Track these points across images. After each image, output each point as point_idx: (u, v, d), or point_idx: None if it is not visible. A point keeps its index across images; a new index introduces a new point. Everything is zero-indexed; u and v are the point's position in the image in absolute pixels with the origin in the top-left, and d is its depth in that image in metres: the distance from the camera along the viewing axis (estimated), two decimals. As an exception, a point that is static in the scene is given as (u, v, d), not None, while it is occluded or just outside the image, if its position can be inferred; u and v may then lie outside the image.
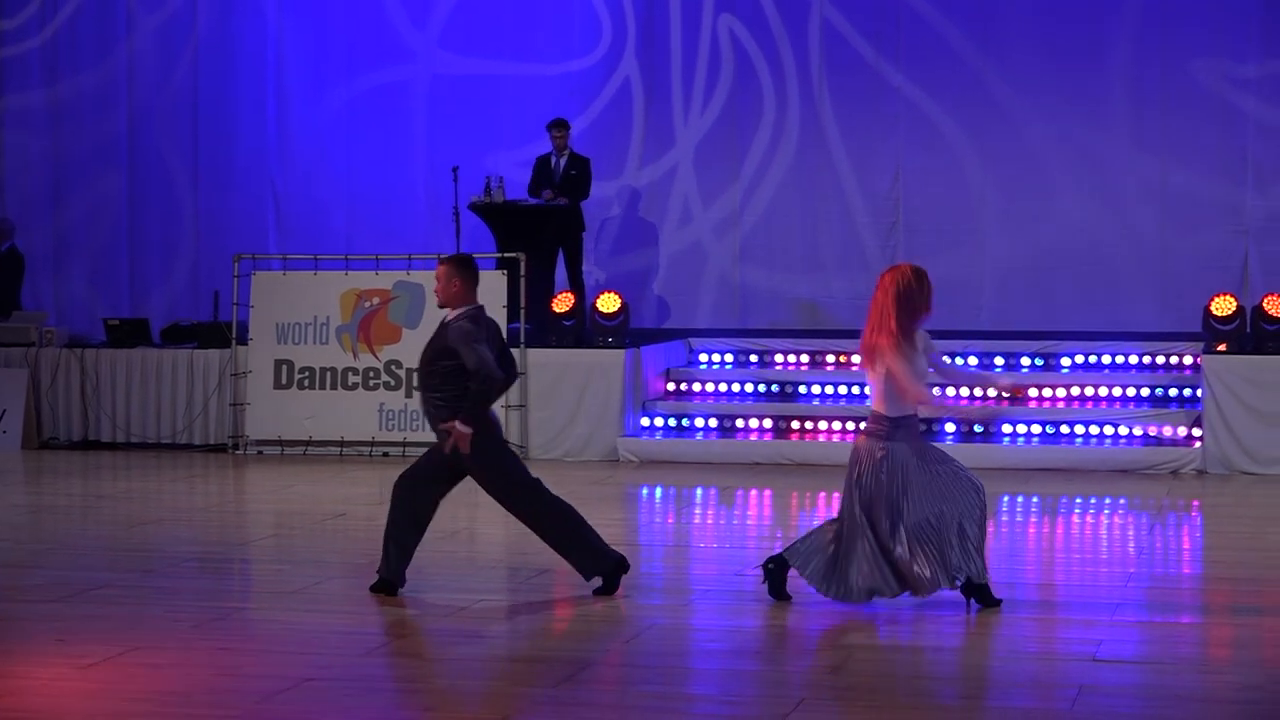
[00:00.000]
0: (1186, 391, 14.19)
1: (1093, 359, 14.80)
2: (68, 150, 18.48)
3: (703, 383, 15.20)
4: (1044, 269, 16.58)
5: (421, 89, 17.87)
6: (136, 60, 18.35)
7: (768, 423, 14.57)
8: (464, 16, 17.70)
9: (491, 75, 17.66)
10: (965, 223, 16.86)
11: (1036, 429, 14.13)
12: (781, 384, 15.02)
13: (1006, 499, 12.27)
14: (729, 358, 15.60)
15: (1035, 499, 12.22)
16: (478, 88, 17.70)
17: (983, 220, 16.83)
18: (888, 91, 16.87)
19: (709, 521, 12.13)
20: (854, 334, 15.70)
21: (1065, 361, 14.83)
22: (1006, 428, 14.13)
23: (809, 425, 14.49)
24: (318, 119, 18.10)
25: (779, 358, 15.44)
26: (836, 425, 14.42)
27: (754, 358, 15.54)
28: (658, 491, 13.00)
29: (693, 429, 14.71)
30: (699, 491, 12.87)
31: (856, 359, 14.87)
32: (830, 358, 15.27)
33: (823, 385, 14.89)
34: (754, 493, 12.67)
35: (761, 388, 15.03)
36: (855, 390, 14.75)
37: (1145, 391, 14.37)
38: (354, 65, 17.99)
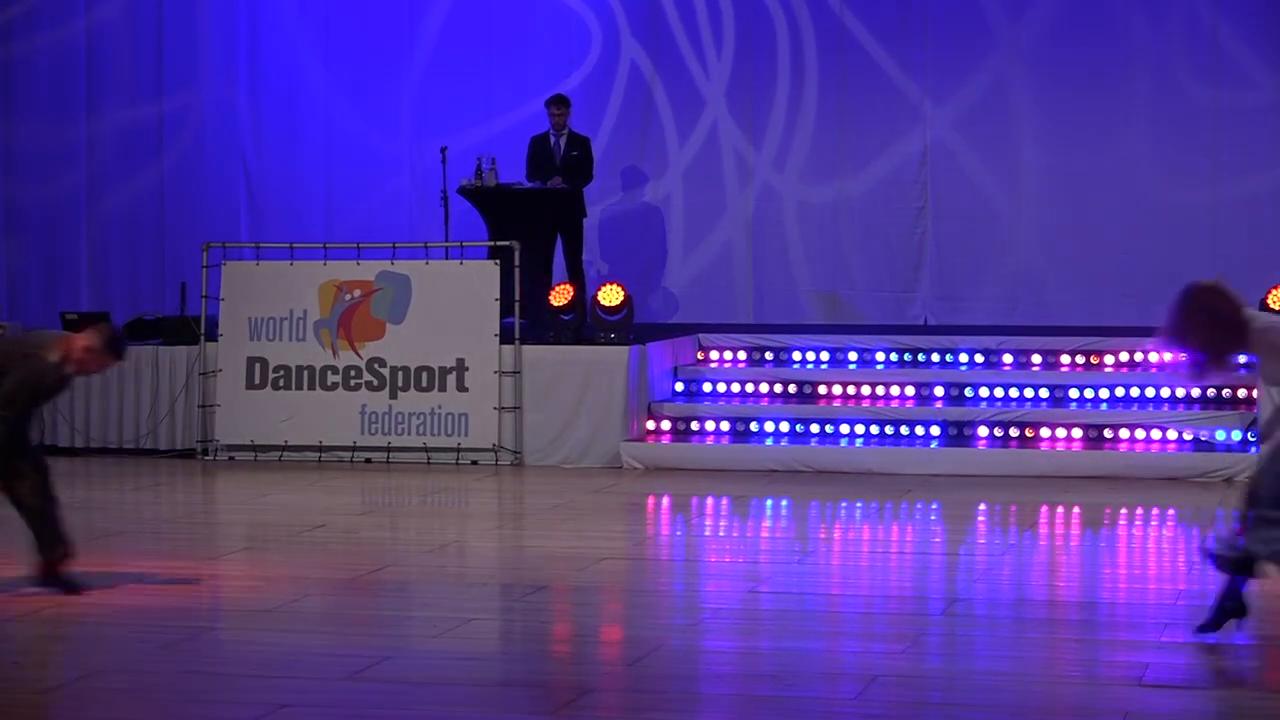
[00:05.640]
0: (1241, 392, 14.21)
1: (1139, 357, 14.81)
2: (20, 125, 18.50)
3: (714, 383, 15.23)
4: (1086, 259, 16.63)
5: (408, 59, 17.91)
6: (95, 26, 18.38)
7: (784, 426, 14.59)
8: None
9: (486, 48, 17.71)
10: (1000, 209, 16.91)
11: (1078, 433, 14.14)
12: (800, 384, 15.05)
13: (1045, 509, 12.29)
14: (742, 355, 15.61)
15: (1076, 509, 12.23)
16: (469, 57, 17.73)
17: (1019, 206, 16.88)
18: (911, 101, 16.96)
19: (721, 534, 12.15)
20: (877, 329, 16.04)
21: (1109, 360, 14.85)
22: (1045, 431, 14.16)
23: (829, 429, 14.51)
24: (294, 90, 18.12)
25: (797, 355, 15.46)
26: (860, 429, 14.43)
27: (770, 355, 15.56)
28: (664, 501, 13.01)
29: (703, 433, 14.73)
30: (709, 501, 12.89)
31: (882, 356, 15.10)
32: (853, 355, 15.30)
33: (844, 385, 14.92)
34: (770, 502, 12.69)
35: (778, 388, 15.05)
36: (880, 390, 14.80)
37: (1196, 392, 14.39)
38: (334, 31, 18.03)
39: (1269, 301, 14.09)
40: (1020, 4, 16.80)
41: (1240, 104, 16.51)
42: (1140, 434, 14.04)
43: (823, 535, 11.68)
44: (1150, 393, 14.45)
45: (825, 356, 15.37)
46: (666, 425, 14.81)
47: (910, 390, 14.79)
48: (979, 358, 15.11)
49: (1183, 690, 7.55)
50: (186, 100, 18.26)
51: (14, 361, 9.20)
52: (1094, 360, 14.85)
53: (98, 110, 18.41)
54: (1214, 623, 7.98)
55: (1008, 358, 15.02)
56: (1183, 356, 8.30)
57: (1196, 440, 13.91)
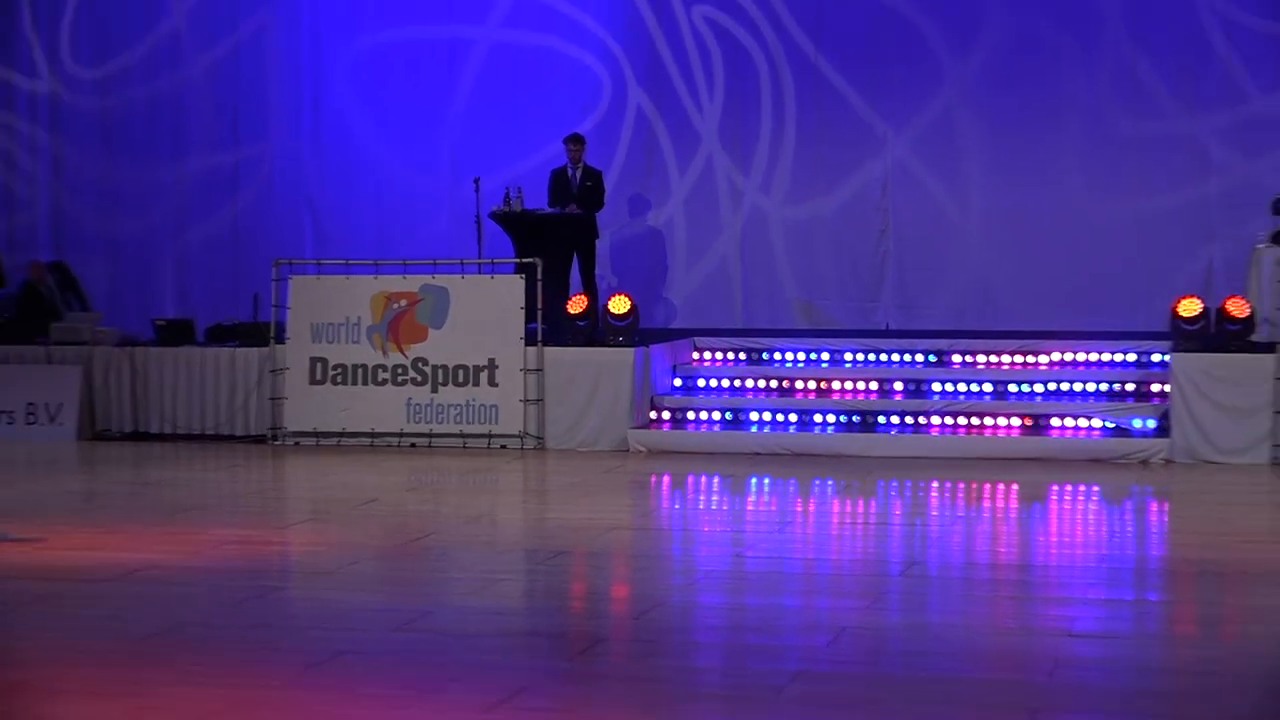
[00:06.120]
0: (1155, 387, 14.18)
1: (1069, 356, 14.78)
2: (117, 166, 18.56)
3: (707, 379, 15.20)
4: (1025, 274, 16.64)
5: (446, 108, 17.91)
6: (181, 84, 18.44)
7: (767, 416, 14.55)
8: (490, 56, 17.79)
9: (513, 97, 17.71)
10: (950, 227, 16.91)
11: (1016, 421, 14.11)
12: (780, 380, 15.00)
13: (988, 486, 12.25)
14: (732, 355, 15.59)
15: (1015, 486, 12.20)
16: (499, 105, 17.72)
17: (967, 224, 16.89)
18: (874, 132, 16.94)
19: (713, 507, 12.11)
20: (846, 333, 16.01)
21: (1044, 359, 14.80)
22: (989, 420, 14.11)
23: (805, 418, 14.46)
24: (350, 134, 18.14)
25: (778, 355, 15.42)
26: (831, 418, 14.41)
27: (755, 355, 15.52)
28: (665, 479, 12.97)
29: (698, 422, 14.69)
30: (703, 479, 12.86)
31: (850, 356, 15.07)
32: (825, 355, 15.26)
33: (818, 381, 14.86)
34: (754, 480, 12.65)
35: (762, 383, 15.01)
36: (849, 385, 14.76)
37: (1118, 387, 14.36)
38: (383, 88, 18.03)
39: (1179, 310, 13.98)
40: (966, 45, 16.83)
41: (1154, 132, 16.50)
42: (1069, 422, 14.00)
43: (799, 508, 11.64)
44: (1078, 387, 14.41)
45: (802, 356, 15.34)
46: (667, 415, 14.77)
47: (874, 385, 14.74)
48: (932, 357, 15.07)
49: (1104, 639, 7.50)
50: (259, 149, 18.37)
51: None
52: (1030, 359, 14.80)
53: (183, 155, 18.50)
54: None
55: (957, 357, 14.98)
56: None
57: (1116, 428, 13.86)
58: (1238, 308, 13.87)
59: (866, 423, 14.33)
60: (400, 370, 14.77)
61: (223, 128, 18.39)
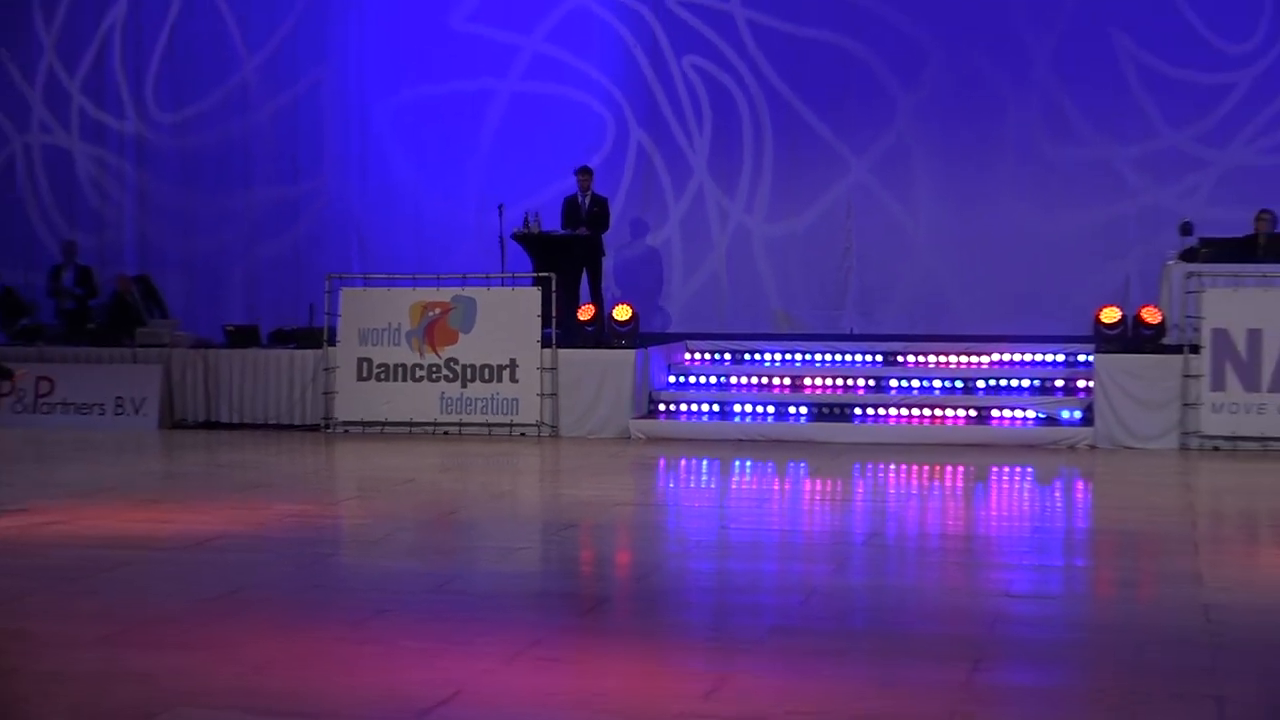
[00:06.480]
0: (1081, 383, 14.16)
1: (1007, 356, 14.76)
2: (196, 195, 18.62)
3: (697, 376, 15.17)
4: (969, 284, 16.65)
5: (476, 149, 17.92)
6: (251, 127, 18.49)
7: (749, 407, 14.53)
8: (511, 104, 17.81)
9: (530, 137, 17.72)
10: (904, 246, 16.91)
11: (962, 412, 14.10)
12: (760, 377, 14.98)
13: (939, 468, 12.23)
14: (718, 356, 15.57)
15: (961, 468, 12.18)
16: (519, 143, 17.73)
17: (919, 244, 16.89)
18: (840, 160, 16.95)
19: (702, 486, 12.10)
20: (816, 337, 16.01)
21: (985, 359, 14.77)
22: (939, 411, 14.09)
23: (782, 410, 14.45)
24: (392, 171, 18.16)
25: (758, 356, 15.40)
26: (804, 410, 14.40)
27: (739, 356, 15.50)
28: (661, 462, 12.96)
29: (690, 413, 14.67)
30: (694, 462, 12.84)
31: (819, 356, 15.05)
32: (799, 356, 15.24)
33: (793, 378, 14.85)
34: (737, 463, 12.64)
35: (744, 380, 14.99)
36: (819, 381, 14.74)
37: (1049, 383, 14.34)
38: (420, 131, 18.05)
39: (1100, 317, 13.97)
40: (915, 84, 16.83)
41: (1078, 159, 16.52)
42: (1007, 413, 13.98)
43: (776, 487, 11.62)
44: (1015, 383, 14.39)
45: (779, 357, 15.32)
46: (663, 407, 14.75)
47: (840, 381, 14.72)
48: (890, 357, 15.05)
49: (1037, 599, 7.50)
50: (316, 184, 18.39)
51: None
52: (974, 359, 14.77)
53: (251, 187, 18.51)
54: None
55: (911, 357, 14.96)
56: None
57: (1047, 418, 13.84)
58: (1151, 315, 13.89)
59: (834, 414, 14.31)
60: (435, 369, 14.76)
61: (284, 165, 18.42)
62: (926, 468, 12.21)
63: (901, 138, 16.89)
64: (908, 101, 16.87)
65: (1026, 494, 11.42)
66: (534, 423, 14.49)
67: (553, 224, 15.85)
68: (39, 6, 18.93)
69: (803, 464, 12.49)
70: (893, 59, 16.89)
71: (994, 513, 10.54)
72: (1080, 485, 11.70)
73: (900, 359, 14.97)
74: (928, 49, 16.80)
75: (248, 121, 18.50)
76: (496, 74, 17.88)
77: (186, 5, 18.63)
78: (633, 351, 14.52)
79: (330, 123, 18.32)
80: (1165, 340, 13.86)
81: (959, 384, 14.44)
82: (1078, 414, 13.78)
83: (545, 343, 14.58)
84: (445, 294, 14.86)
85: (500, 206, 15.93)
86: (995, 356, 14.76)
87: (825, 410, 14.36)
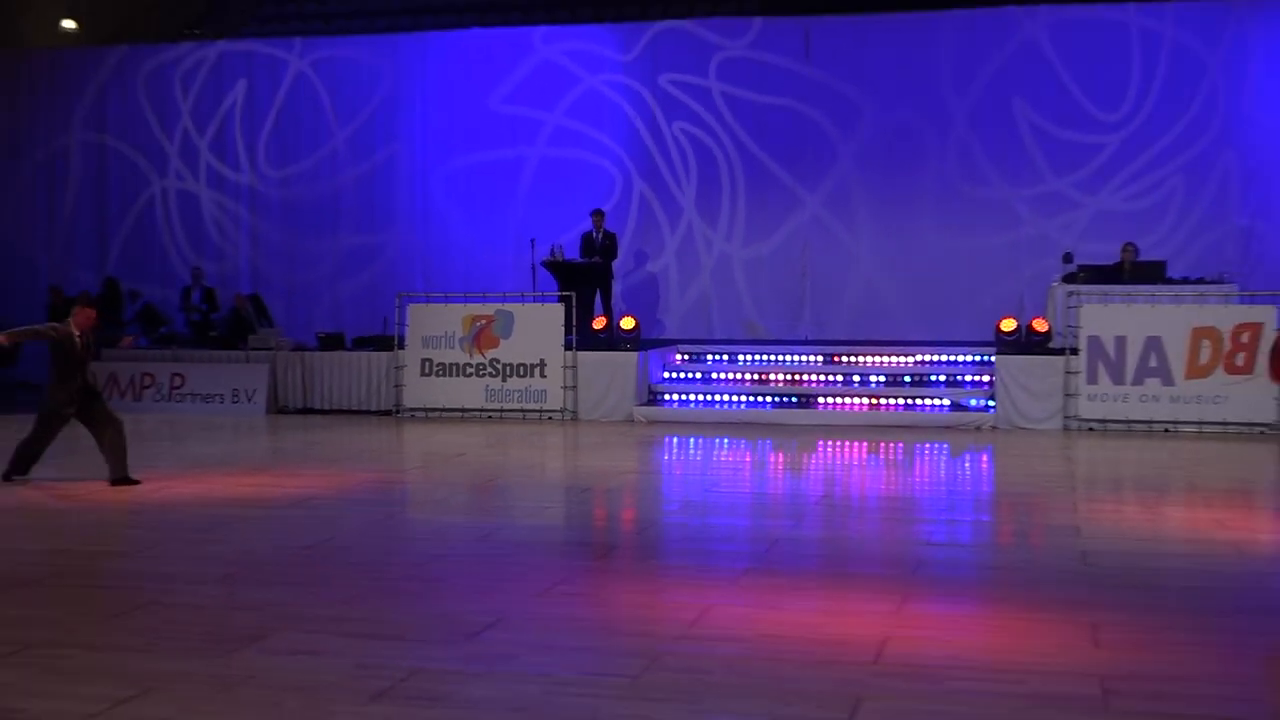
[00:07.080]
0: (986, 378, 14.15)
1: (929, 356, 14.76)
2: (297, 240, 18.63)
3: (688, 373, 15.15)
4: (899, 298, 16.64)
5: (514, 200, 17.91)
6: (339, 186, 18.49)
7: (729, 397, 14.51)
8: (540, 166, 17.77)
9: (555, 189, 17.72)
10: (849, 266, 16.90)
11: (894, 401, 14.07)
12: (738, 373, 14.96)
13: (877, 444, 12.22)
14: (705, 358, 15.54)
15: (895, 444, 12.17)
16: (547, 193, 17.73)
17: (860, 265, 16.89)
18: (797, 199, 16.92)
19: (695, 458, 12.10)
20: (780, 342, 16.00)
21: (912, 359, 14.76)
22: (879, 400, 14.07)
23: (755, 399, 14.42)
24: (447, 219, 18.17)
25: (736, 357, 15.39)
26: (769, 399, 14.36)
27: (719, 356, 15.49)
28: (658, 440, 12.95)
29: (681, 401, 14.66)
30: (685, 440, 12.83)
31: (783, 357, 15.05)
32: (769, 357, 15.22)
33: (763, 374, 14.83)
34: (723, 440, 12.63)
35: (725, 376, 14.97)
36: (783, 377, 14.72)
37: (964, 377, 14.33)
38: (469, 183, 18.05)
39: (1000, 326, 13.96)
40: (852, 136, 16.83)
41: (984, 197, 16.54)
42: (928, 401, 13.96)
43: (748, 459, 11.62)
44: (935, 377, 14.38)
45: (750, 357, 15.30)
46: (660, 396, 14.72)
47: (799, 376, 14.71)
48: (838, 358, 15.04)
49: (951, 547, 7.49)
50: (390, 234, 18.34)
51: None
52: (904, 358, 14.77)
53: (339, 233, 18.46)
54: None
55: (855, 358, 14.94)
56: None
57: (960, 405, 13.82)
58: (1040, 325, 13.90)
59: (794, 402, 14.30)
60: (481, 367, 14.75)
61: (362, 218, 18.43)
62: (866, 444, 12.21)
63: (846, 180, 16.89)
64: (850, 152, 16.87)
65: (943, 465, 11.42)
66: (559, 409, 14.49)
67: (573, 254, 15.85)
68: (178, 81, 18.98)
69: (769, 441, 12.49)
70: (837, 119, 16.90)
71: (917, 479, 10.54)
72: (984, 458, 11.70)
73: (846, 358, 14.96)
74: (865, 111, 16.81)
75: (335, 182, 18.50)
76: (528, 143, 17.89)
77: (292, 90, 18.64)
78: (636, 353, 14.51)
79: (400, 185, 18.33)
80: (1051, 344, 13.86)
81: (891, 378, 14.43)
82: (983, 402, 13.77)
83: (567, 347, 14.58)
84: (489, 309, 14.85)
85: (532, 241, 15.93)
86: (919, 356, 14.75)
87: (787, 399, 14.36)
